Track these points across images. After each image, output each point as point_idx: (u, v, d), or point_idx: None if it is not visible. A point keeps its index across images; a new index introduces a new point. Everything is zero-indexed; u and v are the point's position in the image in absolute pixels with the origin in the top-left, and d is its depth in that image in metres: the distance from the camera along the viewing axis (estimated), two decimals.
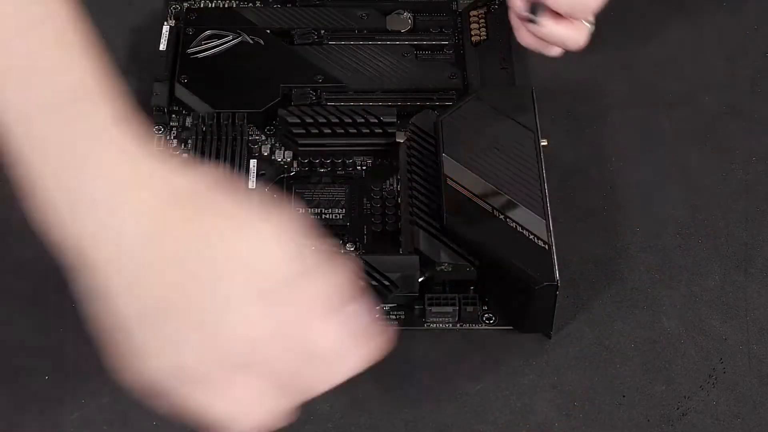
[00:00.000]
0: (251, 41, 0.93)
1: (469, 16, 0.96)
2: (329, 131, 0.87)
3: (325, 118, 0.86)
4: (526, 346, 0.79)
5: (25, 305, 0.80)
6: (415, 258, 0.79)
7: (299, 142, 0.87)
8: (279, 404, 0.64)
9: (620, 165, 0.89)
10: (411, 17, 0.95)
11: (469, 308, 0.80)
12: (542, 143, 0.83)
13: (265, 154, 0.88)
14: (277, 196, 0.84)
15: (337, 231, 0.83)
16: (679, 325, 0.80)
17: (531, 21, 0.84)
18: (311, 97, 0.90)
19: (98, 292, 0.62)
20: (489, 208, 0.80)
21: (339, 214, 0.84)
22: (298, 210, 0.84)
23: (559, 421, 0.76)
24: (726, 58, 0.96)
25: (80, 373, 0.77)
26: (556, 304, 0.78)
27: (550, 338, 0.79)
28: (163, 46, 0.93)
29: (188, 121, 0.90)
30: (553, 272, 0.77)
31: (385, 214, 0.84)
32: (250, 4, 0.97)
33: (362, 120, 0.87)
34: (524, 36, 0.86)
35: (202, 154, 0.86)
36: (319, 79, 0.90)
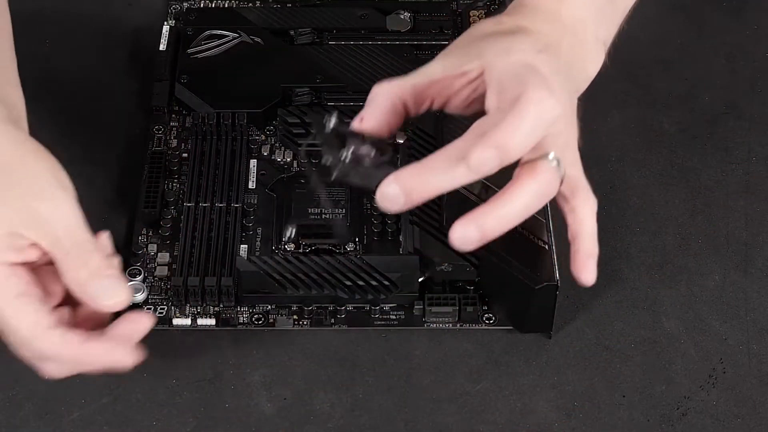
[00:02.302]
0: (251, 41, 0.93)
1: (470, 16, 0.96)
2: None
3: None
4: (526, 346, 0.79)
5: None
6: (415, 258, 0.79)
7: (299, 142, 0.87)
8: None
9: (620, 165, 0.89)
10: (411, 17, 0.95)
11: (469, 308, 0.80)
12: None
13: (265, 154, 0.88)
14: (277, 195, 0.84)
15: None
16: (679, 325, 0.80)
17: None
18: (311, 97, 0.90)
19: None
20: None
21: (339, 214, 0.84)
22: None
23: (559, 421, 0.76)
24: (726, 58, 0.96)
25: (80, 373, 0.77)
26: (556, 304, 0.78)
27: (550, 338, 0.79)
28: (163, 46, 0.93)
29: (188, 121, 0.90)
30: (553, 272, 0.77)
31: (385, 214, 0.84)
32: (250, 4, 0.97)
33: None
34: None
35: (202, 154, 0.86)
36: (319, 79, 0.90)
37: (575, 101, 0.72)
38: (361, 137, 0.71)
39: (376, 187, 0.68)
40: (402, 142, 0.85)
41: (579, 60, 0.74)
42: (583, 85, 0.75)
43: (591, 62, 0.75)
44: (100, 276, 0.68)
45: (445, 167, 0.66)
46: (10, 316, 0.67)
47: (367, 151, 0.70)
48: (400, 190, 0.67)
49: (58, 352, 0.68)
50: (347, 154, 0.69)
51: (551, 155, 0.68)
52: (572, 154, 0.71)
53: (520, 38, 0.71)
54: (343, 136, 0.70)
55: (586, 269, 0.71)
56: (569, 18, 0.74)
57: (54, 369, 0.70)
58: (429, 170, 0.67)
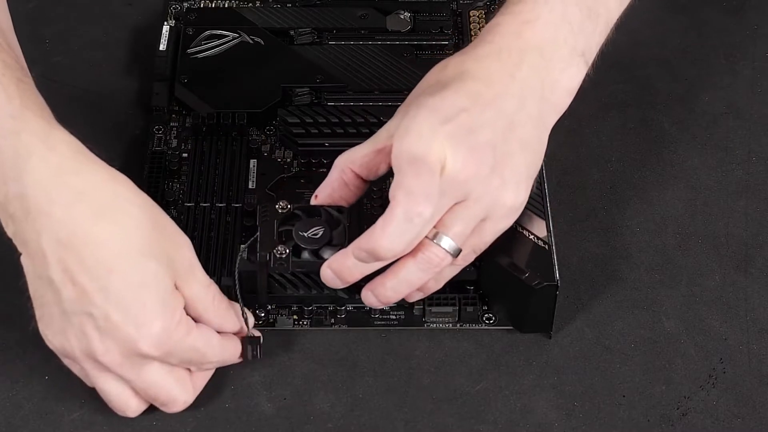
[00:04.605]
0: (251, 41, 0.93)
1: (469, 16, 0.96)
2: (329, 131, 0.87)
3: (325, 118, 0.86)
4: (526, 346, 0.79)
5: (25, 304, 0.80)
6: None
7: (299, 142, 0.87)
8: None
9: (620, 165, 0.89)
10: (411, 17, 0.95)
11: (469, 308, 0.80)
12: None
13: (265, 154, 0.88)
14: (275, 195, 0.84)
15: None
16: (679, 325, 0.80)
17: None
18: (311, 97, 0.90)
19: None
20: None
21: (346, 213, 0.83)
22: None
23: (559, 421, 0.76)
24: (726, 58, 0.96)
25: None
26: (556, 304, 0.78)
27: (550, 338, 0.79)
28: (163, 46, 0.93)
29: (188, 121, 0.90)
30: (553, 272, 0.77)
31: None
32: (250, 4, 0.97)
33: (362, 120, 0.87)
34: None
35: (202, 154, 0.86)
36: (319, 79, 0.90)
37: (524, 134, 0.75)
38: (319, 213, 0.77)
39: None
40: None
41: (547, 82, 0.76)
42: (563, 99, 0.77)
43: (568, 77, 0.76)
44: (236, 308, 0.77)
45: (353, 258, 0.74)
46: (205, 344, 0.74)
47: (314, 232, 0.77)
48: (333, 274, 0.75)
49: (233, 354, 0.76)
50: (282, 251, 0.77)
51: (440, 237, 0.73)
52: (492, 201, 0.74)
53: (442, 99, 0.74)
54: (289, 230, 0.77)
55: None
56: (534, 38, 0.76)
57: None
58: (346, 257, 0.74)
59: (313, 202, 0.78)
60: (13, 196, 0.71)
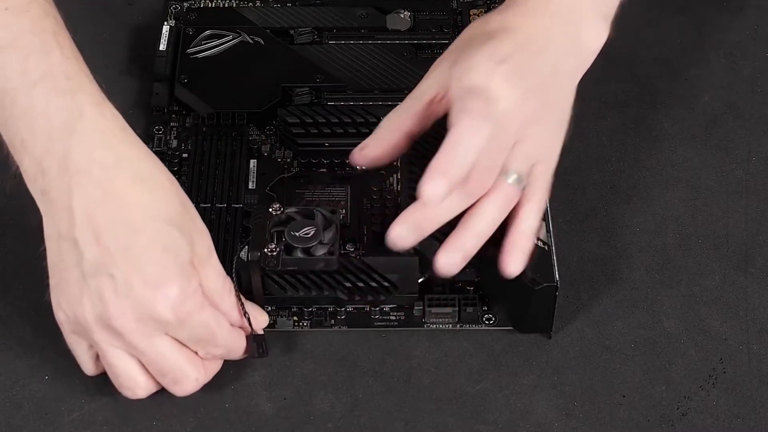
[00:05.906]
0: (251, 41, 0.93)
1: (469, 14, 0.96)
2: (329, 131, 0.87)
3: (324, 118, 0.86)
4: (526, 346, 0.79)
5: (24, 305, 0.80)
6: (415, 259, 0.79)
7: (299, 142, 0.87)
8: None
9: (620, 165, 0.89)
10: (411, 16, 0.95)
11: (469, 309, 0.80)
12: None
13: (265, 154, 0.88)
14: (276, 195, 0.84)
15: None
16: (679, 325, 0.80)
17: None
18: (311, 97, 0.90)
19: None
20: None
21: (339, 214, 0.84)
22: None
23: (559, 421, 0.76)
24: (726, 58, 0.96)
25: (80, 373, 0.77)
26: (556, 304, 0.78)
27: (550, 338, 0.79)
28: (163, 46, 0.93)
29: (188, 121, 0.90)
30: (552, 273, 0.77)
31: (385, 215, 0.84)
32: (250, 4, 0.97)
33: (362, 120, 0.87)
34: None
35: (202, 154, 0.86)
36: (319, 79, 0.90)
37: (562, 85, 0.78)
38: (312, 215, 0.78)
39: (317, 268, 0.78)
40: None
41: (576, 42, 0.78)
42: (588, 58, 0.80)
43: (592, 39, 0.79)
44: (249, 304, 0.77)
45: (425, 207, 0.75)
46: (215, 324, 0.74)
47: (305, 231, 0.77)
48: (412, 226, 0.75)
49: (240, 347, 0.76)
50: (274, 248, 0.77)
51: (510, 174, 0.75)
52: (543, 144, 0.77)
53: (493, 45, 0.76)
54: (280, 230, 0.77)
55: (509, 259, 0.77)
56: (561, 4, 0.78)
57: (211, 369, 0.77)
58: (418, 208, 0.75)
59: (357, 154, 0.79)
60: (55, 152, 0.71)
